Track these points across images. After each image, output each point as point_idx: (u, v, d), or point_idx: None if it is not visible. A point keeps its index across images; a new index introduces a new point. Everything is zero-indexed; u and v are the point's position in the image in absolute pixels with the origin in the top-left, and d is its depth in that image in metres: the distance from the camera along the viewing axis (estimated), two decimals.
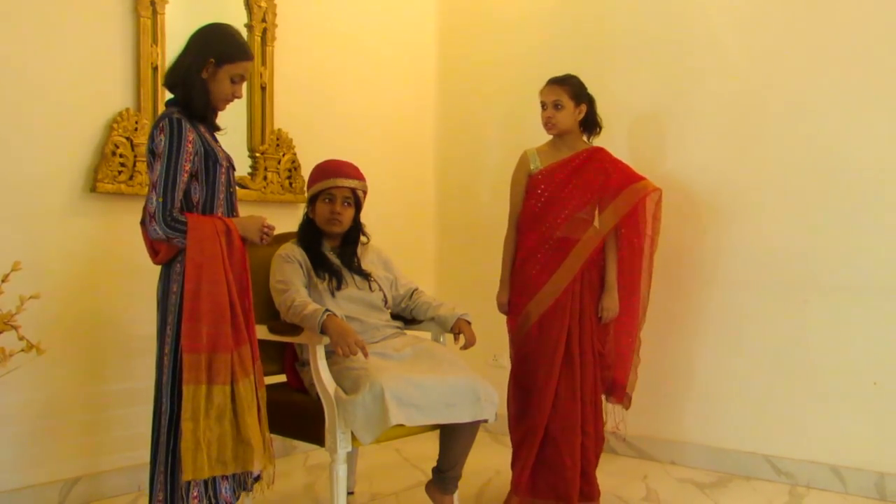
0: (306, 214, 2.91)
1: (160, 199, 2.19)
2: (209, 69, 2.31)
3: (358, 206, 2.91)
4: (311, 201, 2.88)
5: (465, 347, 2.84)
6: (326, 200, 2.84)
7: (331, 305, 2.71)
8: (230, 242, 2.29)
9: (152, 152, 2.24)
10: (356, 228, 2.94)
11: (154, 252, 2.32)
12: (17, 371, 2.62)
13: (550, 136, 3.10)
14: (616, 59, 3.83)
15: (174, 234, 2.21)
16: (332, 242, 2.91)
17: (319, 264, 2.81)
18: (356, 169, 2.91)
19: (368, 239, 3.01)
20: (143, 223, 2.35)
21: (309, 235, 2.87)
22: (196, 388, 2.17)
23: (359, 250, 2.95)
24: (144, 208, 2.34)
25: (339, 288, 2.78)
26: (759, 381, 3.41)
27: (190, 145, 2.24)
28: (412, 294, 2.99)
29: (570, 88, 3.02)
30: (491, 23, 4.30)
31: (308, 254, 2.82)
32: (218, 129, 2.44)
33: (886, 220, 3.15)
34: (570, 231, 3.00)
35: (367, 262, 2.96)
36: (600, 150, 3.09)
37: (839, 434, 3.23)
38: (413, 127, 3.78)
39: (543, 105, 3.04)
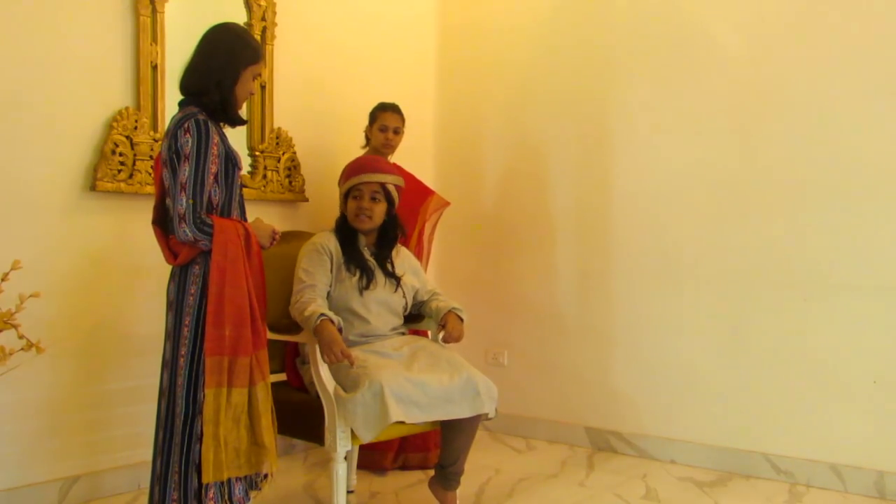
0: (341, 212, 2.94)
1: (191, 201, 2.19)
2: (239, 73, 2.35)
3: (390, 201, 2.90)
4: (344, 199, 2.91)
5: (445, 340, 2.80)
6: (354, 197, 2.87)
7: (356, 302, 2.74)
8: (249, 246, 2.29)
9: (177, 153, 2.22)
10: (393, 226, 2.94)
11: (173, 254, 2.30)
12: (17, 370, 2.62)
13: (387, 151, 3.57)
14: (615, 59, 3.82)
15: (202, 236, 2.20)
16: (369, 240, 2.92)
17: (353, 259, 2.82)
18: (387, 163, 3.05)
19: (405, 233, 3.03)
20: (156, 223, 2.35)
21: (344, 231, 2.89)
22: (217, 390, 2.18)
23: (393, 252, 2.96)
24: (157, 208, 2.35)
25: (367, 287, 2.79)
26: (759, 380, 3.41)
27: (215, 147, 2.25)
28: (430, 297, 2.98)
29: (404, 118, 3.59)
30: (491, 23, 4.29)
31: (343, 247, 2.84)
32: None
33: (887, 219, 3.14)
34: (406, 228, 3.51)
35: (399, 266, 2.96)
36: (400, 167, 3.55)
37: (839, 432, 3.23)
38: (413, 126, 3.79)
39: (385, 129, 3.53)
